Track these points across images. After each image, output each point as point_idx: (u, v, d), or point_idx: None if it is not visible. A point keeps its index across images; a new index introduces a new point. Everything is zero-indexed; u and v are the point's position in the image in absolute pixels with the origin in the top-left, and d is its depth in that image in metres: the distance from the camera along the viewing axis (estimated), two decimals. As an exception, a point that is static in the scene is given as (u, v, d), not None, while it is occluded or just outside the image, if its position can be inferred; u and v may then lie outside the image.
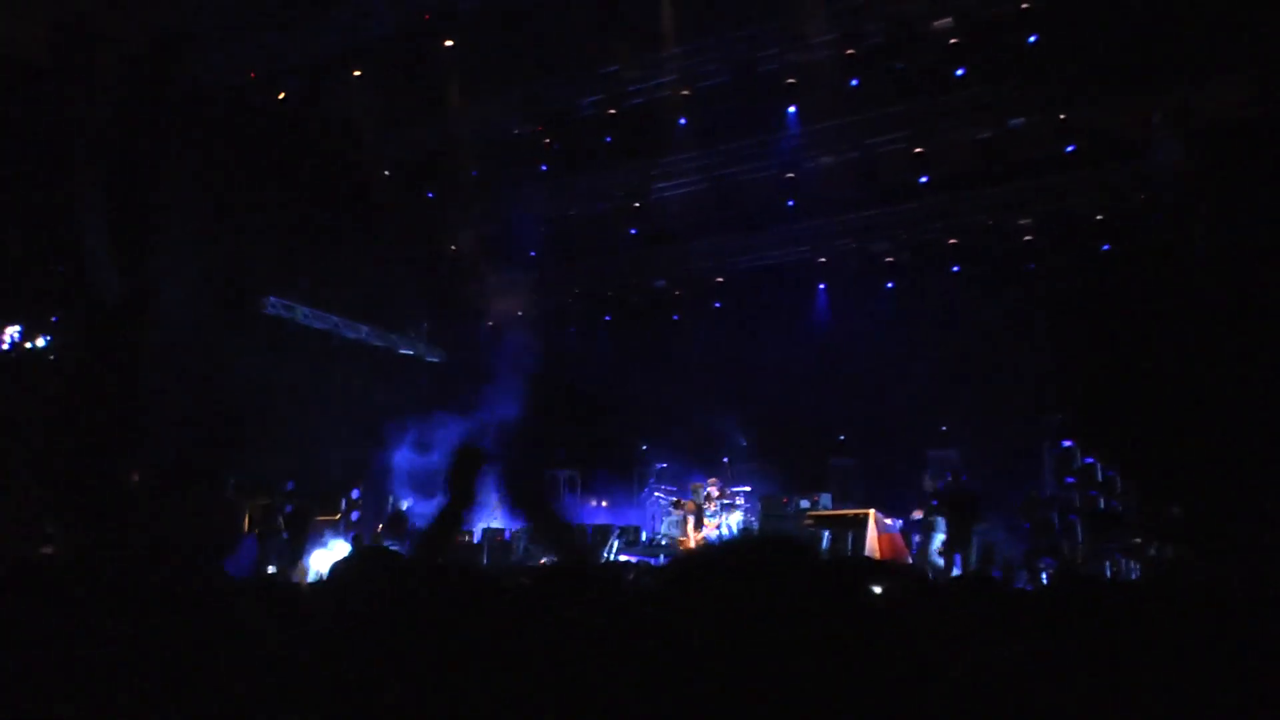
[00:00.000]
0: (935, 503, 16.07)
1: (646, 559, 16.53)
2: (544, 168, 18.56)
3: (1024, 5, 14.64)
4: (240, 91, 16.50)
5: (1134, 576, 14.09)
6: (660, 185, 18.78)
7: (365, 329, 19.23)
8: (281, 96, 16.76)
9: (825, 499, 17.20)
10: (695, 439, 18.53)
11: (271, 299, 17.32)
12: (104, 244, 14.23)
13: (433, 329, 20.66)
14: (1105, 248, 16.82)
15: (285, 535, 14.90)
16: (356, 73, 16.59)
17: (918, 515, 15.84)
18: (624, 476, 19.73)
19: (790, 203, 17.98)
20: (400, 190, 19.07)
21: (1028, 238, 17.22)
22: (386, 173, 18.81)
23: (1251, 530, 12.41)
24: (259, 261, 16.98)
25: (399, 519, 16.45)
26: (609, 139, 17.84)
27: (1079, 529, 16.53)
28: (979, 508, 15.40)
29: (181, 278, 15.09)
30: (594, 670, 1.65)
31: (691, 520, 16.99)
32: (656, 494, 18.62)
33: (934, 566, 14.72)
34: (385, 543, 14.19)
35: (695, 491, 17.24)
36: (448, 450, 18.52)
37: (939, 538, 15.25)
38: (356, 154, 18.20)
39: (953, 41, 15.23)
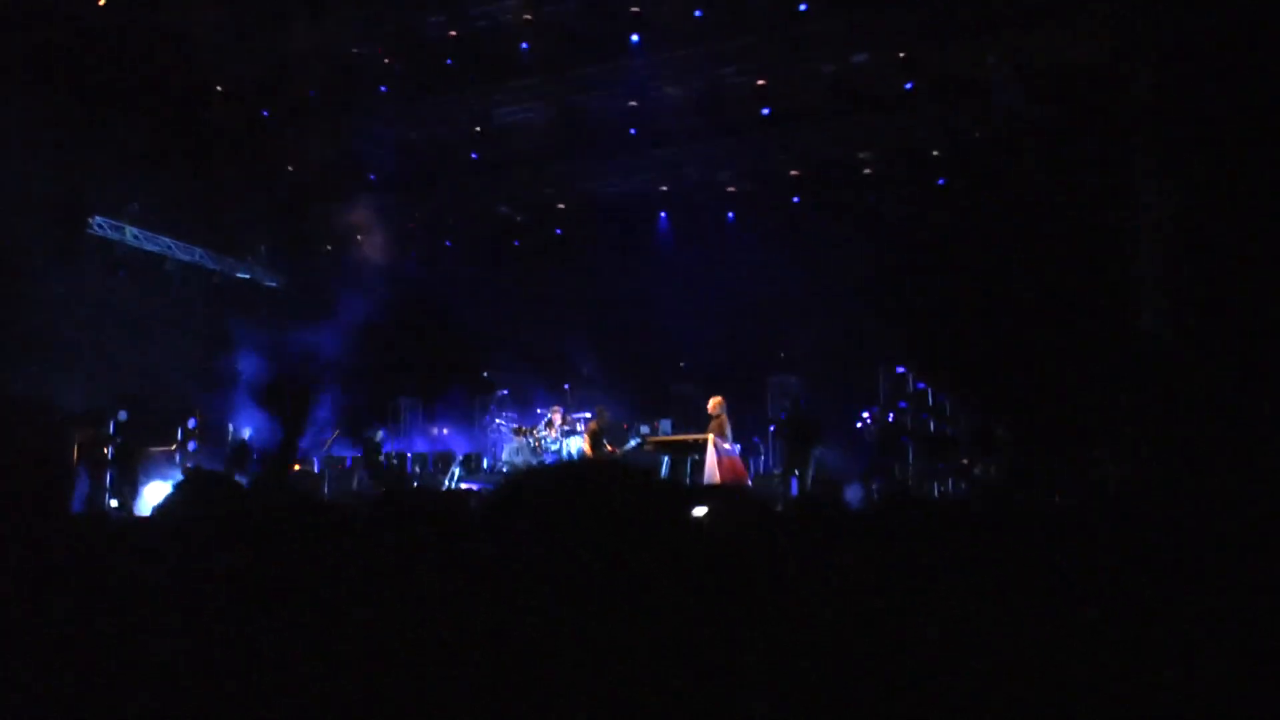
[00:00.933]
0: (773, 428, 16.57)
1: (487, 486, 16.62)
2: (383, 89, 18.15)
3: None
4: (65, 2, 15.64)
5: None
6: (503, 111, 18.54)
7: (200, 251, 18.61)
8: (102, 3, 15.92)
9: (666, 425, 17.51)
10: (537, 366, 18.61)
11: (98, 220, 16.61)
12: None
13: (271, 253, 20.10)
14: (941, 182, 17.33)
15: (116, 468, 14.51)
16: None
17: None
18: (466, 404, 19.70)
19: (633, 131, 17.97)
20: (236, 110, 18.39)
21: (867, 171, 17.61)
22: (220, 89, 18.11)
23: (1068, 452, 13.14)
24: (86, 182, 16.25)
25: (242, 449, 16.18)
26: (450, 62, 17.55)
27: (910, 450, 17.25)
28: (818, 432, 15.92)
29: (3, 200, 14.39)
30: (430, 593, 1.70)
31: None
32: (498, 421, 18.67)
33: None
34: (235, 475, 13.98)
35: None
36: (281, 379, 18.21)
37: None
38: (189, 70, 17.48)
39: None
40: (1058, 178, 14.27)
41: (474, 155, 19.01)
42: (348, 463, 17.44)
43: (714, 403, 15.39)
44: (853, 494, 15.98)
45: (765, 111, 17.09)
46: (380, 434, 17.73)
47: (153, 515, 3.22)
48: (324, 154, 19.68)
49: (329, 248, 21.02)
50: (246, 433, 17.27)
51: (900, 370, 17.59)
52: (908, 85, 16.17)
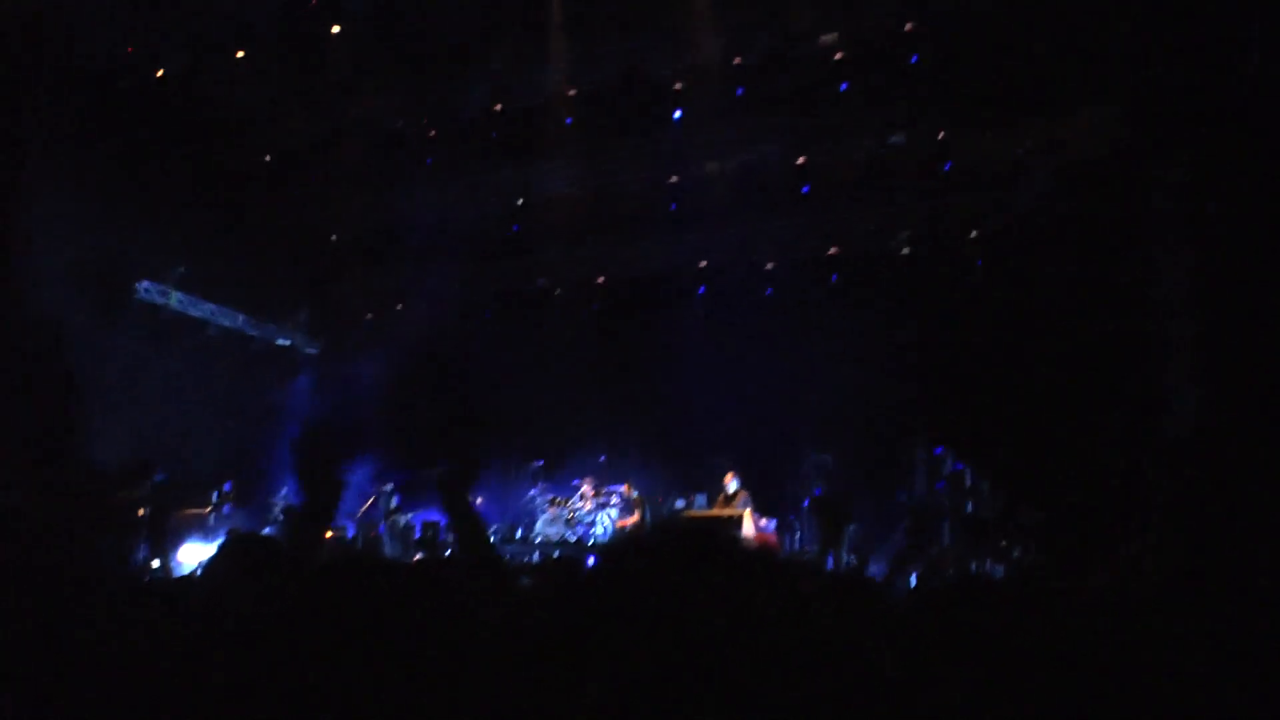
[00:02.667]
0: (806, 503, 16.46)
1: (520, 556, 16.57)
2: (429, 161, 18.42)
3: (907, 27, 15.07)
4: (115, 70, 16.03)
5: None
6: (545, 184, 18.76)
7: (241, 317, 18.82)
8: (160, 75, 16.33)
9: (700, 499, 17.42)
10: (574, 440, 18.60)
11: (145, 284, 16.85)
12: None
13: (311, 320, 20.29)
14: (979, 263, 17.34)
15: (149, 531, 14.57)
16: (239, 54, 16.26)
17: None
18: (502, 474, 19.69)
19: (673, 206, 18.12)
20: (281, 178, 18.71)
21: (905, 251, 17.64)
22: (267, 158, 18.45)
23: (1105, 536, 12.98)
24: (133, 247, 16.51)
25: (290, 514, 16.23)
26: (494, 134, 17.83)
27: (946, 533, 17.07)
28: (850, 508, 15.78)
29: (51, 264, 14.64)
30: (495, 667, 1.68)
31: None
32: (533, 492, 18.65)
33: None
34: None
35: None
36: (308, 445, 18.24)
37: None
38: (237, 139, 17.84)
39: (838, 55, 15.60)
40: (1089, 267, 14.29)
41: (515, 228, 19.21)
42: (380, 529, 17.43)
43: (730, 476, 15.42)
44: (896, 578, 15.82)
45: (804, 189, 17.22)
46: (395, 500, 17.75)
47: (197, 575, 3.24)
48: (366, 222, 19.96)
49: (369, 315, 21.21)
50: (285, 499, 17.23)
51: (938, 451, 17.46)
52: (947, 166, 16.26)
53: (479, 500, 19.46)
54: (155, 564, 14.02)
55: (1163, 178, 12.15)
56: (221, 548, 3.00)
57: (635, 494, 17.32)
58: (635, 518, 16.54)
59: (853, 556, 15.33)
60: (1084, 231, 14.12)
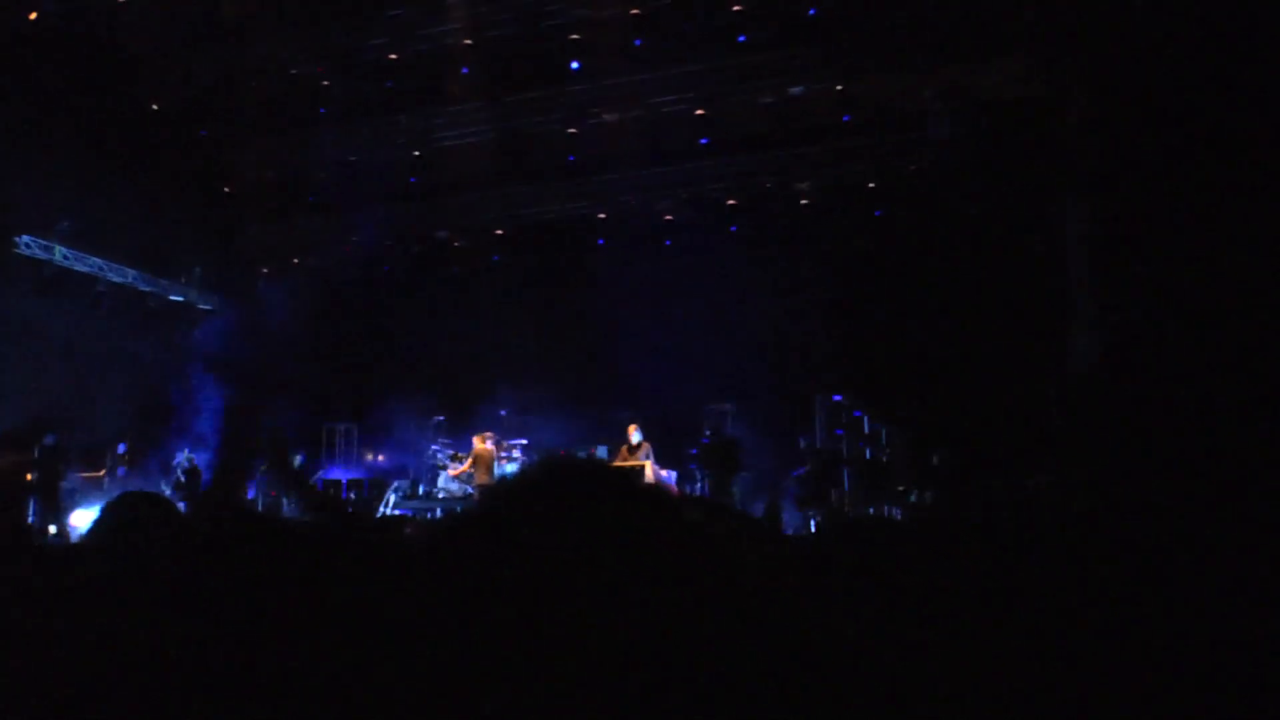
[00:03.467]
0: (694, 451, 16.66)
1: (423, 511, 16.53)
2: (323, 111, 18.06)
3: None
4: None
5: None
6: (442, 135, 18.52)
7: (133, 273, 18.30)
8: (33, 16, 15.66)
9: (602, 451, 17.51)
10: (473, 392, 18.52)
11: (26, 239, 16.30)
12: None
13: (206, 275, 19.83)
14: (877, 214, 17.57)
15: (41, 494, 14.27)
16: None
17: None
18: (402, 430, 19.56)
19: (571, 158, 18.03)
20: (173, 127, 18.17)
21: (804, 201, 17.78)
22: (156, 107, 17.88)
23: (1002, 477, 13.36)
24: (14, 198, 15.93)
25: (193, 475, 15.97)
26: (390, 84, 17.52)
27: (846, 478, 17.42)
28: (738, 457, 16.04)
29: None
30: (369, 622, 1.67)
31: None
32: (434, 448, 18.57)
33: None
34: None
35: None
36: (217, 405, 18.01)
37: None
38: (127, 86, 17.25)
39: (736, 8, 15.58)
40: (990, 208, 14.54)
41: (412, 179, 18.95)
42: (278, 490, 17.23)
43: (633, 428, 15.54)
44: (790, 520, 16.14)
45: (704, 141, 17.24)
46: (299, 459, 17.58)
47: (84, 538, 3.18)
48: (262, 175, 19.53)
49: (265, 270, 20.83)
50: (189, 459, 16.83)
51: (837, 398, 17.76)
52: (845, 118, 16.38)
53: (379, 458, 19.37)
54: (52, 530, 13.74)
55: (1065, 124, 12.40)
56: (106, 507, 2.94)
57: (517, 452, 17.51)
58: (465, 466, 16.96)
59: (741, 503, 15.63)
60: (987, 177, 14.35)
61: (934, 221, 15.99)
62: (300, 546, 2.32)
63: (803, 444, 17.35)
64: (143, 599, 2.28)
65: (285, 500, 16.64)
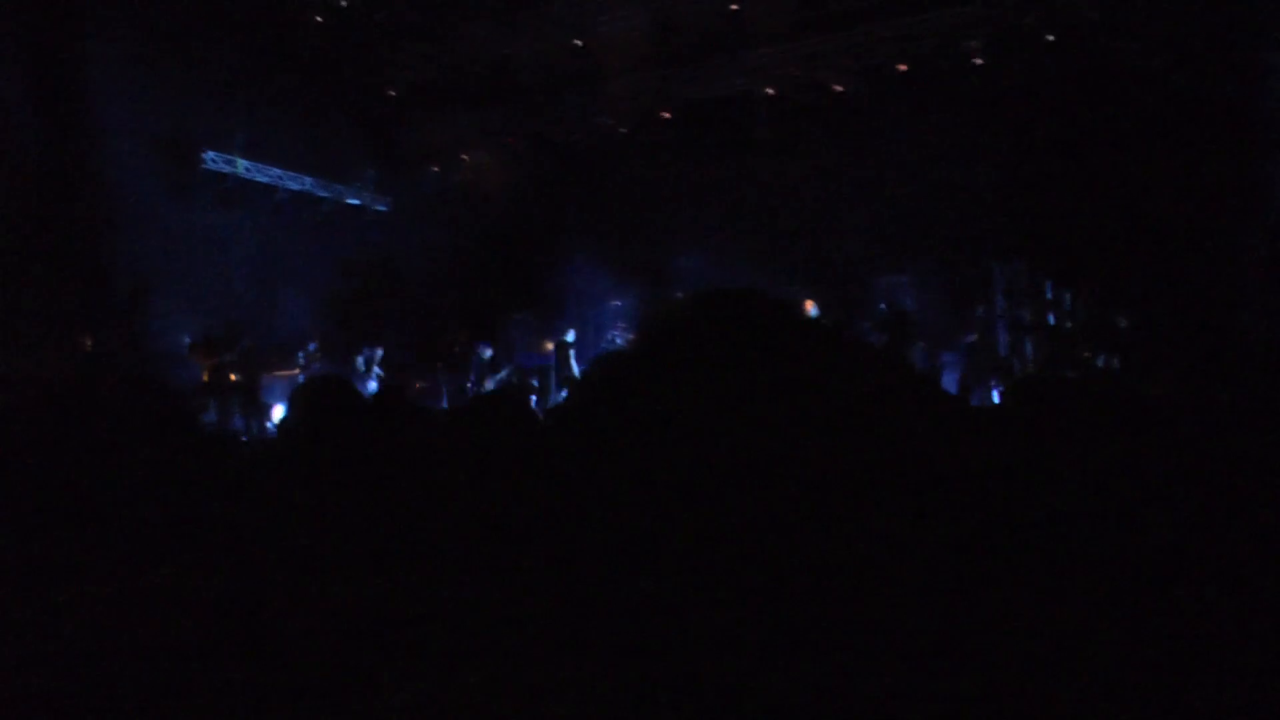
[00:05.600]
0: (867, 326, 16.36)
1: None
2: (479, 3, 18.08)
3: None
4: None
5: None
6: (600, 19, 18.33)
7: (309, 180, 18.84)
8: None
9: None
10: (648, 277, 18.51)
11: (210, 154, 16.90)
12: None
13: (378, 176, 20.27)
14: (1054, 68, 16.71)
15: (245, 392, 14.97)
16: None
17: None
18: (575, 318, 19.73)
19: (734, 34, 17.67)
20: (335, 36, 18.48)
21: (977, 60, 17.03)
22: (319, 19, 18.18)
23: (1192, 342, 12.77)
24: (194, 117, 16.54)
25: (369, 363, 16.47)
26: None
27: (1028, 344, 16.94)
28: (912, 329, 15.70)
29: (117, 138, 14.77)
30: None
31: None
32: (613, 332, 18.71)
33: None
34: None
35: None
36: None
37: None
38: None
39: None
40: (1176, 55, 13.69)
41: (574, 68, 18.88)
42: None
43: (809, 304, 15.33)
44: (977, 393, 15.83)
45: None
46: (486, 352, 17.84)
47: (280, 422, 3.31)
48: (423, 72, 19.74)
49: (434, 168, 21.15)
50: (376, 352, 17.21)
51: (1017, 264, 17.18)
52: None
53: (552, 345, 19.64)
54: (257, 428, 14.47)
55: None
56: (295, 392, 3.06)
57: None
58: None
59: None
60: (1170, 20, 13.49)
61: (1115, 73, 15.17)
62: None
63: (980, 312, 16.87)
64: (321, 476, 2.34)
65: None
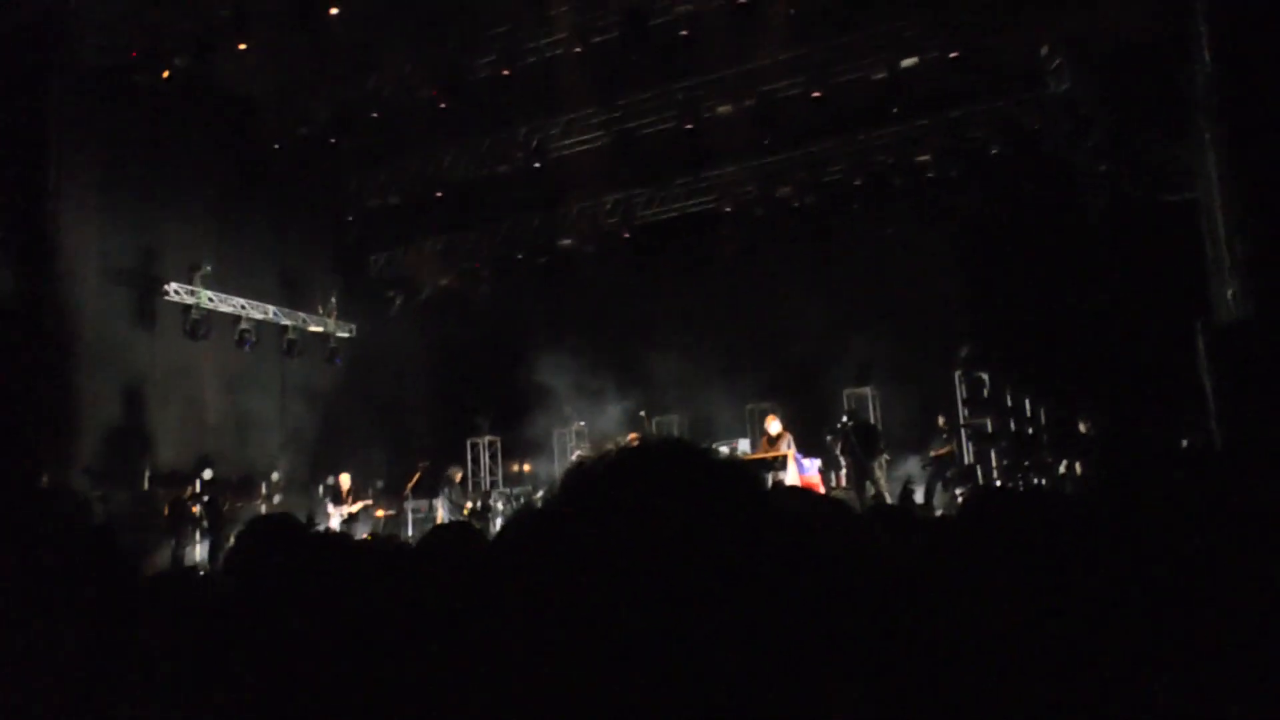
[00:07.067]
0: (829, 438, 16.39)
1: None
2: (439, 132, 18.38)
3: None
4: (123, 73, 15.99)
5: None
6: (560, 144, 18.67)
7: (272, 309, 18.86)
8: (166, 75, 16.27)
9: (744, 444, 17.39)
10: (615, 395, 18.51)
11: (174, 286, 16.90)
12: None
13: (341, 304, 20.33)
14: (1004, 177, 17.05)
15: (206, 525, 14.76)
16: (242, 46, 16.16)
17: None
18: (544, 438, 19.68)
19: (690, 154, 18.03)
20: (296, 163, 18.70)
21: (929, 175, 17.38)
22: (276, 146, 18.39)
23: (1154, 442, 12.83)
24: (156, 250, 16.64)
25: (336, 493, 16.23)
26: (504, 99, 17.69)
27: (992, 453, 17.03)
28: (877, 440, 15.76)
29: (80, 272, 14.82)
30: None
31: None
32: (578, 453, 18.63)
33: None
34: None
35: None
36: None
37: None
38: (249, 129, 17.84)
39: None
40: (1121, 164, 14.00)
41: (534, 191, 19.17)
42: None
43: (771, 419, 15.35)
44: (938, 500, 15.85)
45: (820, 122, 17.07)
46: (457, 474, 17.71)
47: (223, 563, 3.25)
48: (384, 201, 19.98)
49: (395, 294, 21.24)
50: (345, 479, 16.90)
51: (977, 375, 17.36)
52: (962, 85, 16.04)
53: (525, 468, 19.50)
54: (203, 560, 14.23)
55: (1191, 67, 11.83)
56: (238, 535, 3.02)
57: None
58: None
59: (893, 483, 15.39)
60: (1112, 129, 13.80)
61: (1062, 182, 15.49)
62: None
63: (942, 421, 16.98)
64: (262, 618, 2.30)
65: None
